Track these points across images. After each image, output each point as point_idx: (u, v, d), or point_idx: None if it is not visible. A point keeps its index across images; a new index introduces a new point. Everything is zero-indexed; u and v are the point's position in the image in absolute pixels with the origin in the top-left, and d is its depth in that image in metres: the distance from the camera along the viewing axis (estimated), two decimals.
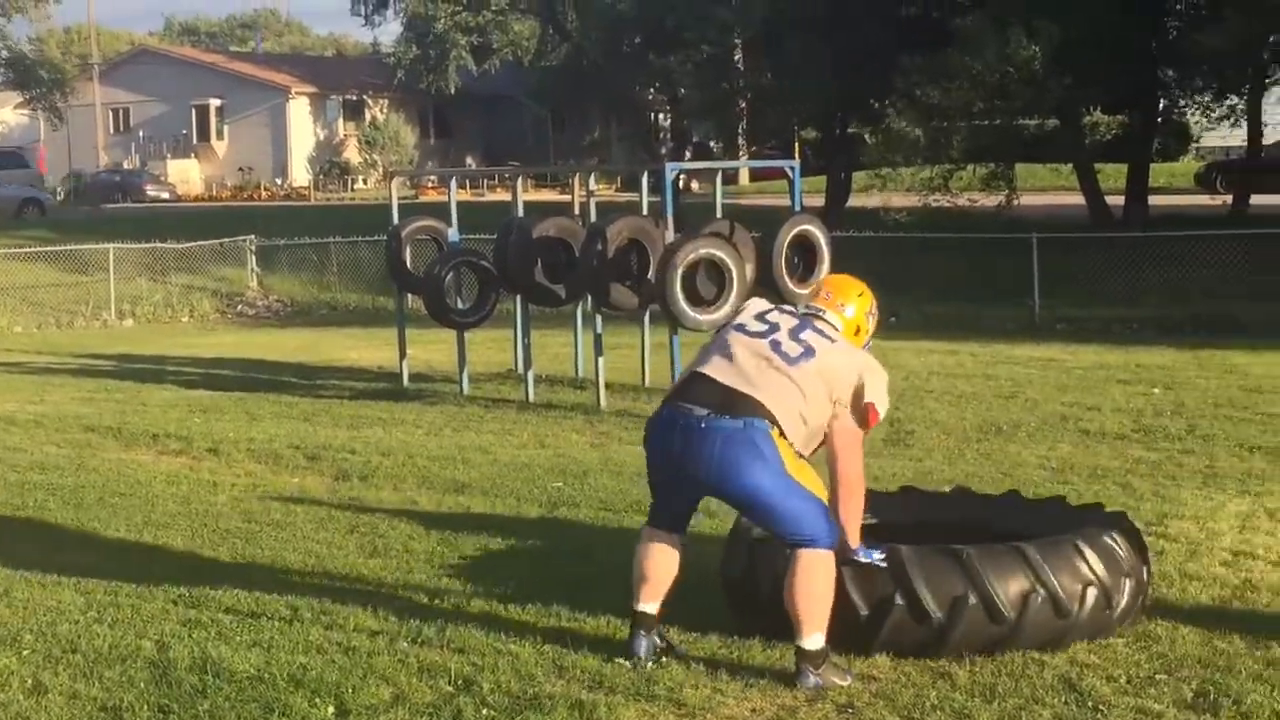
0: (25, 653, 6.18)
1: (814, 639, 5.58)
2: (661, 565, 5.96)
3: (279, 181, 60.04)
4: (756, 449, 5.60)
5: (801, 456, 5.75)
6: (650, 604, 5.93)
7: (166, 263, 27.80)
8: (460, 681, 5.70)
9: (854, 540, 5.83)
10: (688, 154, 45.75)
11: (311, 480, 10.10)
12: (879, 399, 5.85)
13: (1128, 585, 6.02)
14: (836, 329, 5.99)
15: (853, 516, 5.83)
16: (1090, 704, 5.35)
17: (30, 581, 7.30)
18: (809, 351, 5.78)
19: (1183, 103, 33.43)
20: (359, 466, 10.42)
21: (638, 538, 6.08)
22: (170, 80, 63.74)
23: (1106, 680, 5.58)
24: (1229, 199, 31.91)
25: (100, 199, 51.50)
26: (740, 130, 40.50)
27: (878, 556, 5.85)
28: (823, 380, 5.76)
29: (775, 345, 5.81)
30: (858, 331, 6.08)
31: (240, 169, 60.82)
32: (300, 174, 60.97)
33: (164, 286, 26.98)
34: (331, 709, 5.44)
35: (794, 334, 5.85)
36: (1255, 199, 30.70)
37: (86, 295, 26.26)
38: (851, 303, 6.13)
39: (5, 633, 6.46)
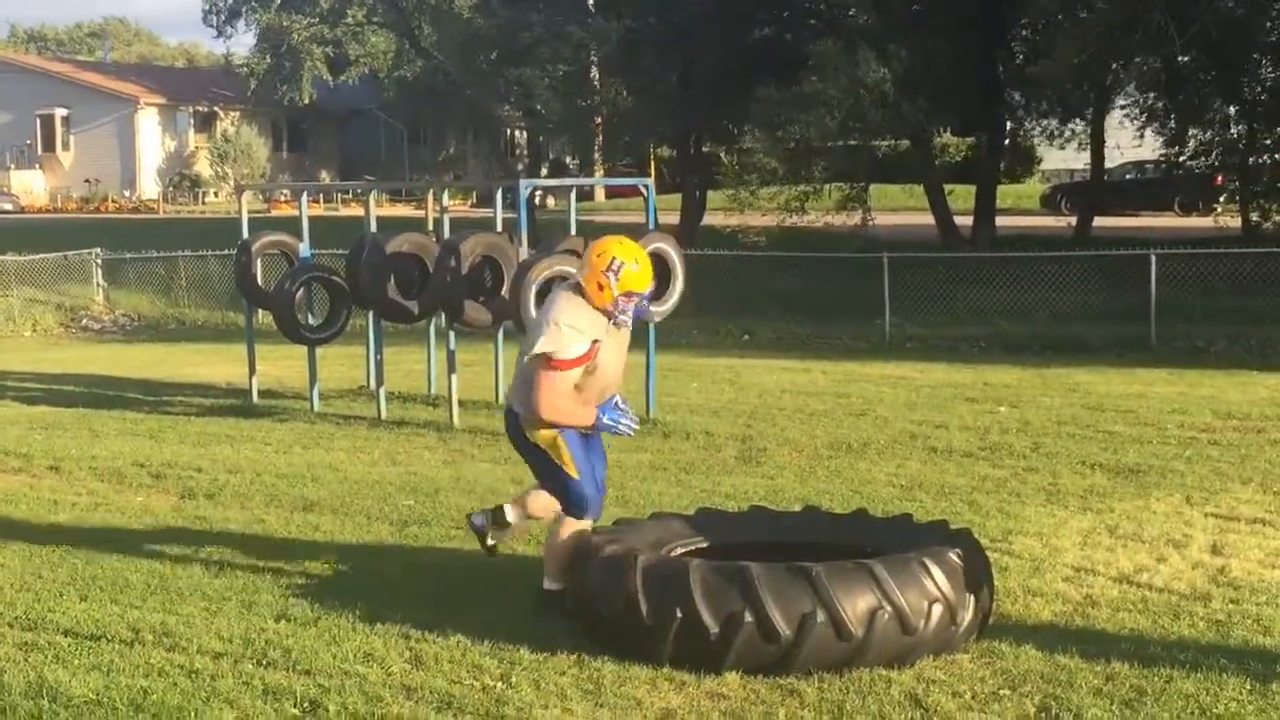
0: None
1: (551, 583, 6.77)
2: None
3: (127, 194, 59.01)
4: (519, 436, 6.76)
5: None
6: None
7: (8, 276, 27.13)
8: (306, 704, 5.62)
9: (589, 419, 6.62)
10: (544, 170, 45.75)
11: (156, 499, 9.90)
12: (542, 348, 6.46)
13: (972, 602, 6.11)
14: (569, 294, 6.65)
15: (576, 423, 6.60)
16: None
17: None
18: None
19: (1028, 126, 34.15)
20: (205, 485, 10.24)
21: None
22: (14, 89, 62.34)
23: (952, 696, 5.65)
24: (1073, 220, 32.64)
25: None
26: (596, 147, 40.63)
27: (624, 421, 6.65)
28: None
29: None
30: (600, 289, 6.54)
31: (87, 180, 59.64)
32: (149, 186, 60.00)
33: (5, 300, 26.33)
34: None
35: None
36: (1098, 220, 31.44)
37: None
38: (587, 264, 6.63)
39: None
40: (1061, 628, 6.53)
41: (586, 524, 6.75)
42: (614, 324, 6.59)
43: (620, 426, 6.66)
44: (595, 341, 6.49)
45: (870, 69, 25.34)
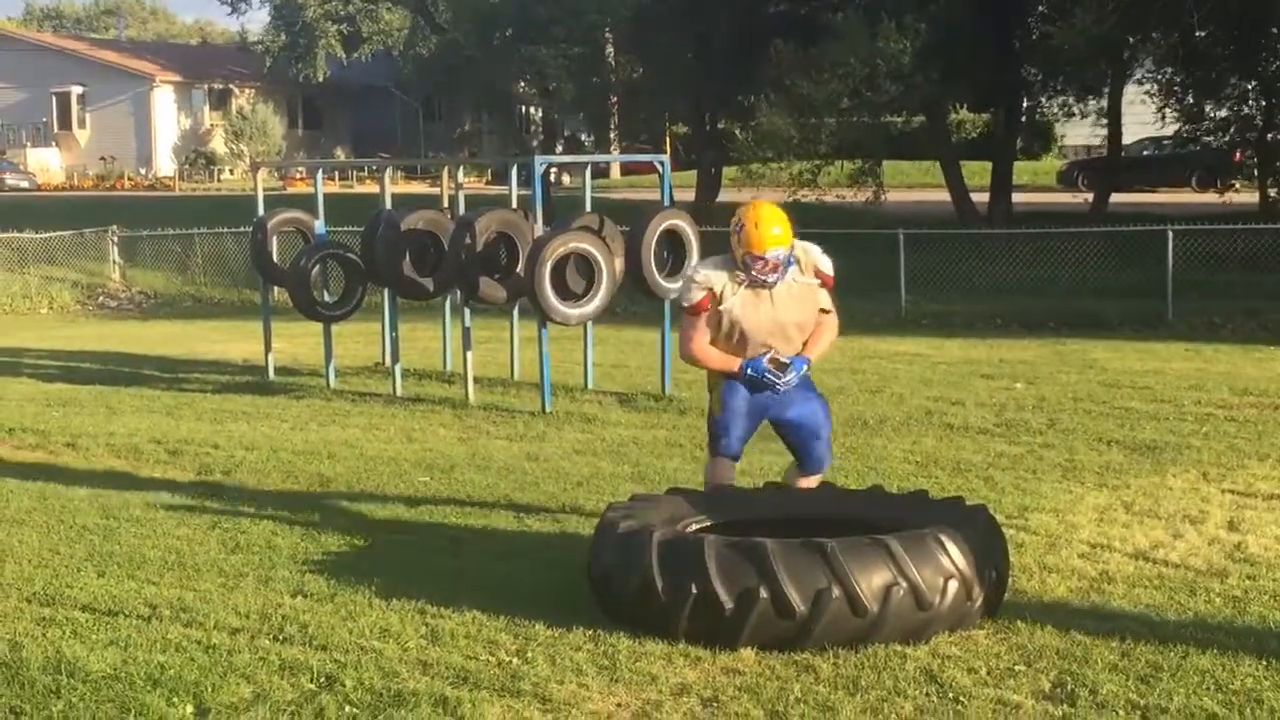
0: None
1: None
2: None
3: (143, 171, 59.04)
4: None
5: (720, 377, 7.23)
6: None
7: (25, 253, 27.19)
8: (323, 679, 5.64)
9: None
10: (559, 147, 45.69)
11: (173, 475, 9.93)
12: (675, 294, 7.34)
13: (988, 577, 6.10)
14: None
15: (713, 365, 7.18)
16: (951, 695, 5.42)
17: None
18: None
19: (1045, 102, 34.02)
20: (222, 461, 10.26)
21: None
22: (30, 67, 62.37)
23: (967, 671, 5.65)
24: (1090, 197, 32.53)
25: None
26: (612, 124, 40.54)
27: (770, 374, 7.03)
28: None
29: None
30: (733, 248, 6.98)
31: (103, 158, 59.67)
32: (165, 164, 60.03)
33: (23, 277, 26.37)
34: (190, 708, 5.35)
35: None
36: (1115, 197, 31.33)
37: None
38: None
39: None
40: (1077, 604, 6.53)
41: (722, 462, 7.21)
42: (753, 283, 6.92)
43: (766, 376, 7.03)
44: (709, 291, 6.95)
45: (891, 39, 25.22)
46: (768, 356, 7.04)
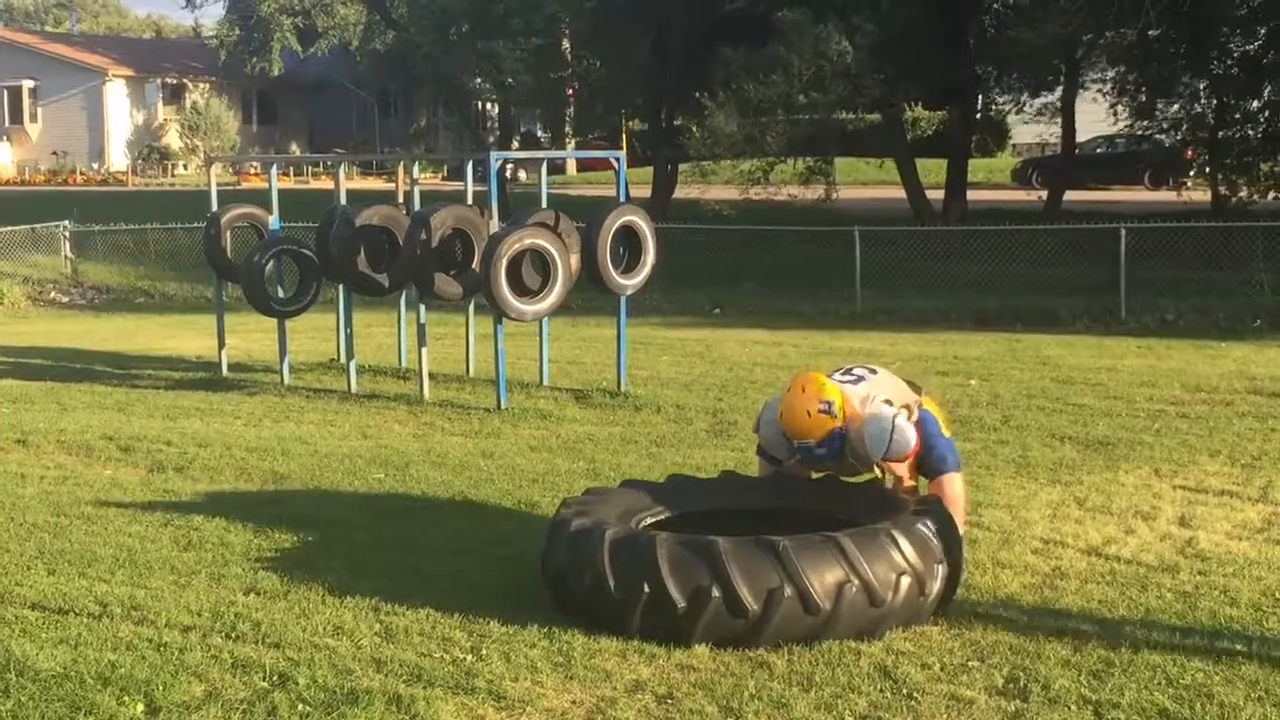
0: None
1: None
2: None
3: (95, 166, 58.61)
4: None
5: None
6: None
7: None
8: (275, 677, 5.61)
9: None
10: (515, 144, 45.62)
11: (125, 472, 9.86)
12: None
13: (941, 573, 6.12)
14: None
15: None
16: (905, 691, 5.44)
17: None
18: None
19: (1000, 100, 34.15)
20: (175, 458, 10.20)
21: None
22: None
23: (921, 668, 5.67)
24: (1044, 194, 32.68)
25: None
26: (567, 121, 40.53)
27: None
28: None
29: None
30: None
31: (55, 153, 59.21)
32: (118, 158, 59.62)
33: None
34: (141, 707, 5.32)
35: None
36: (1069, 195, 31.50)
37: None
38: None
39: None
40: (1030, 599, 6.56)
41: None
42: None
43: None
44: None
45: (833, 41, 25.29)
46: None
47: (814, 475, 7.04)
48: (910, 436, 6.68)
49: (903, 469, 6.87)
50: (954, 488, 6.88)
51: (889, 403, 6.75)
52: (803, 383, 6.71)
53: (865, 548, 5.92)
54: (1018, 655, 5.79)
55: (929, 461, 6.88)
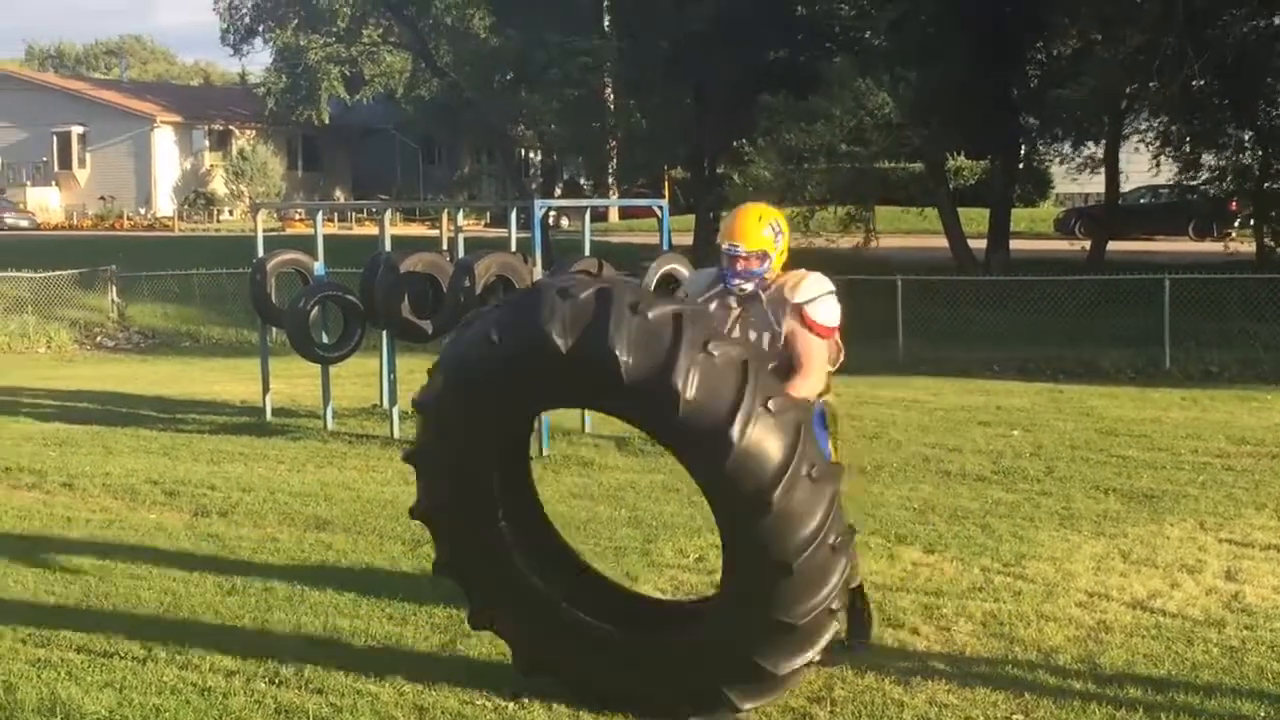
0: None
1: None
2: None
3: (142, 211, 59.15)
4: None
5: None
6: None
7: (23, 292, 27.22)
8: None
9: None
10: (557, 191, 45.80)
11: (169, 516, 9.92)
12: None
13: None
14: None
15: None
16: None
17: None
18: None
19: (1043, 150, 34.11)
20: (219, 502, 10.25)
21: None
22: (32, 107, 62.60)
23: None
24: (1087, 244, 32.59)
25: None
26: (610, 168, 40.66)
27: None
28: None
29: None
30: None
31: (102, 198, 59.84)
32: (164, 204, 60.18)
33: (20, 317, 26.39)
34: None
35: None
36: (1112, 245, 31.41)
37: None
38: None
39: None
40: (1074, 652, 6.51)
41: None
42: (725, 290, 6.14)
43: None
44: (685, 294, 6.24)
45: (874, 95, 25.40)
46: None
47: (731, 304, 6.12)
48: (837, 312, 6.16)
49: (820, 355, 6.08)
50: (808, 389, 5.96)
51: None
52: (760, 203, 6.37)
53: None
54: (1062, 709, 5.75)
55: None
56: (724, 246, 6.11)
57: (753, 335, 6.02)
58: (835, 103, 25.54)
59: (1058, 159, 33.70)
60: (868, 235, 29.46)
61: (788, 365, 5.97)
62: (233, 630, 6.91)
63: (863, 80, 25.38)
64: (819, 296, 6.08)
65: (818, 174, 27.52)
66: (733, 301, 6.12)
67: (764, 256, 6.09)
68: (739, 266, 6.07)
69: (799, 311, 6.02)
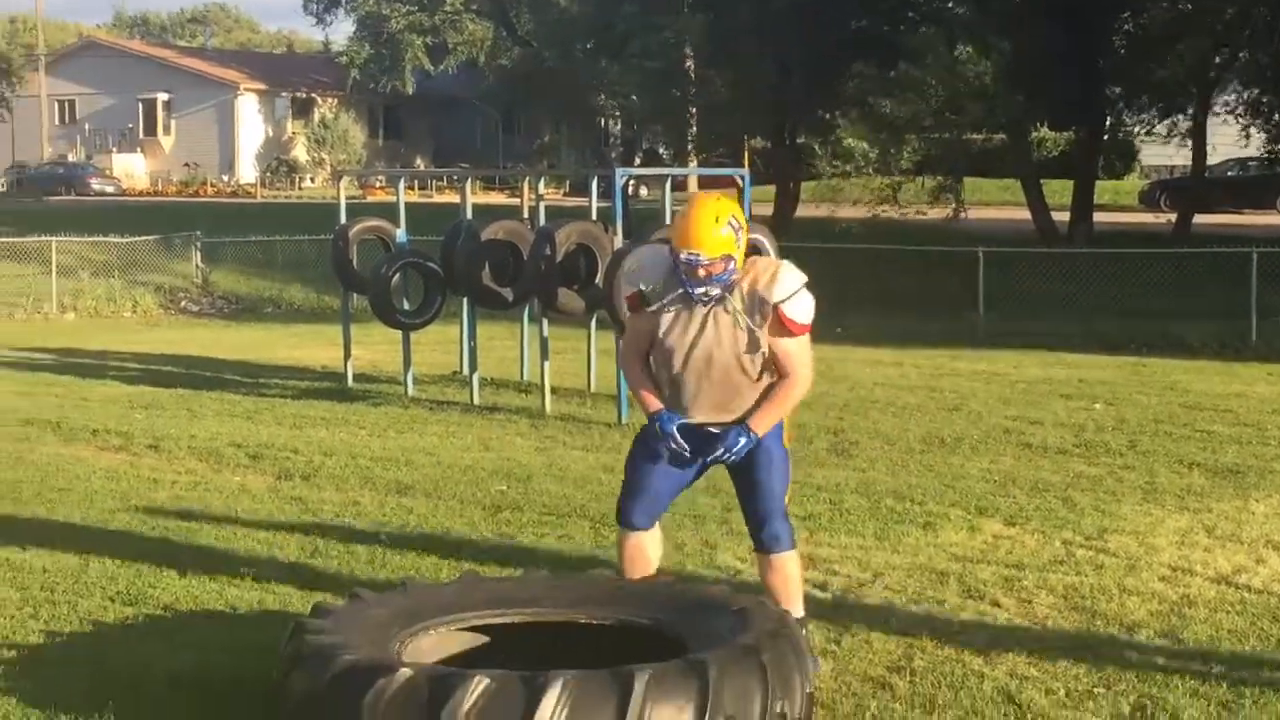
0: None
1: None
2: None
3: (225, 178, 59.72)
4: None
5: None
6: None
7: (110, 257, 27.57)
8: None
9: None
10: (638, 159, 45.77)
11: (253, 479, 10.03)
12: None
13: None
14: None
15: (632, 386, 5.90)
16: (1029, 716, 5.38)
17: None
18: None
19: (1129, 121, 33.72)
20: (301, 466, 10.35)
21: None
22: (118, 73, 63.38)
23: (1045, 693, 5.60)
24: (1173, 217, 32.22)
25: (44, 191, 51.05)
26: (689, 137, 40.59)
27: (671, 437, 5.56)
28: None
29: None
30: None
31: (186, 164, 60.49)
32: (247, 171, 60.73)
33: (107, 281, 26.74)
34: None
35: None
36: (1198, 218, 31.02)
37: (28, 288, 26.00)
38: None
39: None
40: (1157, 627, 6.46)
41: (625, 538, 5.82)
42: (689, 294, 5.54)
43: (671, 444, 5.61)
44: (637, 290, 5.65)
45: (970, 62, 25.18)
46: (687, 421, 5.60)
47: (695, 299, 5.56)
48: (811, 307, 5.68)
49: (799, 354, 5.65)
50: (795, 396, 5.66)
51: None
52: (713, 196, 5.78)
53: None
54: (1145, 683, 5.70)
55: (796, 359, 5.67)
56: (682, 255, 5.44)
57: (726, 335, 5.54)
58: (929, 72, 25.36)
59: (1144, 130, 33.29)
60: (958, 207, 29.23)
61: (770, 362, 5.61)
62: (315, 593, 6.97)
63: (962, 48, 25.18)
64: (796, 292, 5.56)
65: (909, 145, 27.37)
66: (698, 305, 5.55)
67: (728, 259, 5.46)
68: (701, 274, 5.45)
69: (777, 311, 5.52)
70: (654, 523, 5.82)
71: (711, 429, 5.58)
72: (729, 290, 5.53)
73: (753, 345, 5.53)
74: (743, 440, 5.54)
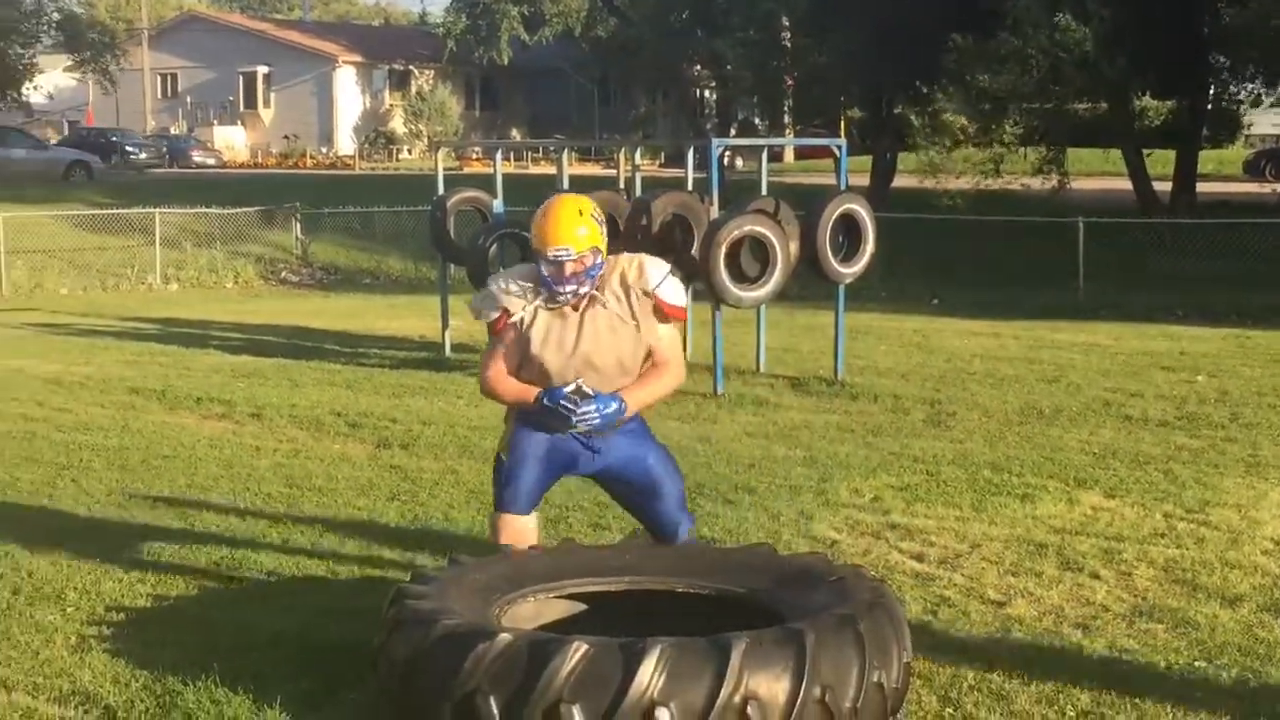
0: (69, 610, 6.26)
1: None
2: None
3: (324, 150, 60.24)
4: None
5: None
6: None
7: (211, 228, 27.95)
8: None
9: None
10: (733, 130, 45.63)
11: (353, 447, 10.15)
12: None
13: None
14: None
15: (505, 398, 5.67)
16: (1128, 689, 5.33)
17: (74, 540, 7.37)
18: None
19: (1233, 89, 33.12)
20: (400, 435, 10.46)
21: None
22: (218, 47, 64.08)
23: (1145, 666, 5.56)
24: (1277, 187, 31.66)
25: (146, 164, 51.77)
26: (785, 108, 40.40)
27: (566, 405, 5.44)
28: None
29: None
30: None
31: (286, 136, 61.06)
32: (345, 143, 61.20)
33: (208, 252, 27.12)
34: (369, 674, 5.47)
35: None
36: None
37: (132, 259, 26.44)
38: None
39: (50, 590, 6.54)
40: (1260, 601, 6.38)
41: (507, 521, 5.72)
42: (551, 298, 5.52)
43: (562, 405, 5.46)
44: (504, 312, 5.56)
45: (1071, 29, 24.78)
46: (572, 386, 5.48)
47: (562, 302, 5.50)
48: (683, 291, 5.73)
49: (672, 342, 5.67)
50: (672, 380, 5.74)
51: None
52: (569, 194, 5.83)
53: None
54: (1247, 657, 5.65)
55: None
56: (549, 254, 5.38)
57: (606, 339, 5.50)
58: (1029, 42, 25.00)
59: (1249, 98, 32.70)
60: (1062, 179, 28.87)
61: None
62: (417, 556, 7.06)
63: (1061, 15, 24.78)
64: (666, 277, 5.57)
65: (1011, 117, 27.03)
66: (568, 310, 5.51)
67: (596, 252, 5.43)
68: (570, 271, 5.40)
69: (655, 298, 5.53)
70: (533, 510, 5.80)
71: (586, 390, 5.49)
72: (599, 289, 5.52)
73: (633, 342, 5.56)
74: (614, 406, 5.49)
